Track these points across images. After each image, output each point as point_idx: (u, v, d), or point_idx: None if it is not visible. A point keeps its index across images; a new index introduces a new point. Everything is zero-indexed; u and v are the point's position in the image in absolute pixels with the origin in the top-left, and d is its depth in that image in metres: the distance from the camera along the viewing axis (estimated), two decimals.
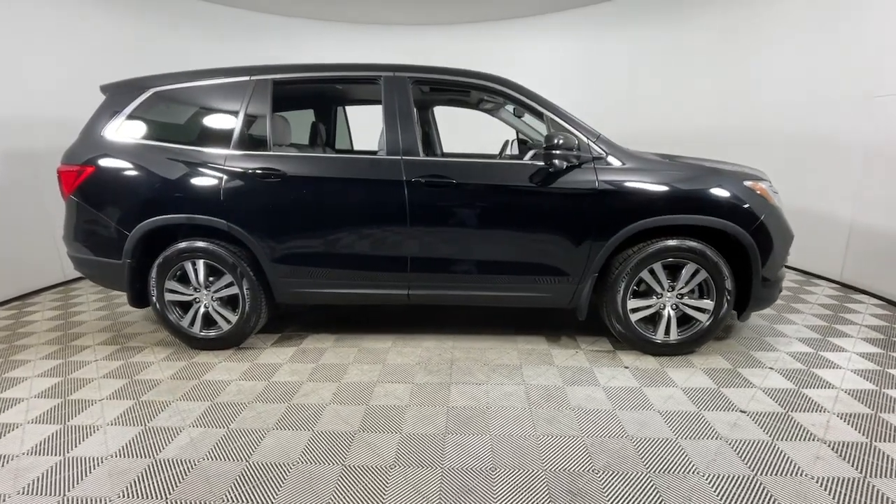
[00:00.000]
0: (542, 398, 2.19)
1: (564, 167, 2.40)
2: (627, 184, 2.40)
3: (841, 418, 1.99)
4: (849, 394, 2.19)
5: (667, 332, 2.56)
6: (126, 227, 2.60)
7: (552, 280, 2.53)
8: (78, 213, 2.67)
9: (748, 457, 1.76)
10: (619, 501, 1.55)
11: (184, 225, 2.59)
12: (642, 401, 2.16)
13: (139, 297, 2.76)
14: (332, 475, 1.69)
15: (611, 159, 2.44)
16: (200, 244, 2.59)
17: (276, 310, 2.86)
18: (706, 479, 1.64)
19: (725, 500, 1.55)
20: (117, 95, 2.68)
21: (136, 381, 2.41)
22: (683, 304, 2.53)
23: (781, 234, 2.46)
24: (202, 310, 2.70)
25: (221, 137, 2.59)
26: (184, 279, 2.69)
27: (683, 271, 2.47)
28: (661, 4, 5.31)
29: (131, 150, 2.60)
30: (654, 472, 1.69)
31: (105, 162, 2.59)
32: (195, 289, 2.69)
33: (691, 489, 1.60)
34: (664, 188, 2.39)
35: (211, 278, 2.67)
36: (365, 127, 4.01)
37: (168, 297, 2.68)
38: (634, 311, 2.54)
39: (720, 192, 2.39)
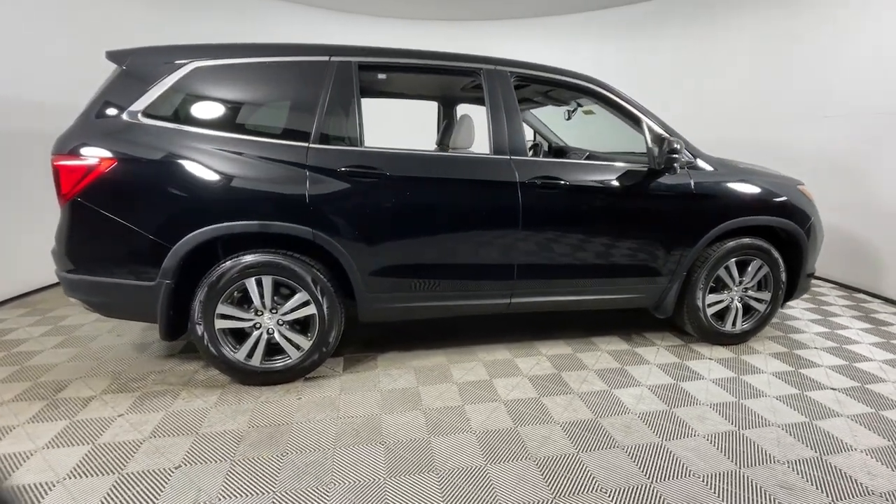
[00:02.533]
0: (672, 398, 2.23)
1: (671, 170, 2.48)
2: (717, 187, 2.57)
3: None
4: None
5: (733, 323, 2.80)
6: (167, 238, 2.01)
7: (649, 281, 2.60)
8: (86, 221, 2.00)
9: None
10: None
11: (242, 235, 2.09)
12: (752, 390, 2.32)
13: (173, 327, 2.17)
14: None
15: (700, 163, 2.59)
16: (272, 257, 2.11)
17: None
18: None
19: None
20: (142, 68, 2.06)
21: (206, 436, 1.88)
22: (748, 296, 2.79)
23: (821, 232, 2.85)
24: (265, 337, 2.21)
25: (296, 128, 2.15)
26: (238, 301, 2.18)
27: (750, 267, 2.72)
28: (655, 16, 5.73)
29: (173, 139, 2.02)
30: (828, 451, 1.83)
31: (133, 153, 1.97)
32: (257, 312, 2.19)
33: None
34: (748, 192, 2.61)
35: (275, 298, 2.20)
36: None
37: (220, 324, 2.14)
38: (710, 305, 2.73)
39: (786, 196, 2.68)
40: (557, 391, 2.27)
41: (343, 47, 2.21)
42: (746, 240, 2.64)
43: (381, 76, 2.52)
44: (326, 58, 2.18)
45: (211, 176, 2.02)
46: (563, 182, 2.35)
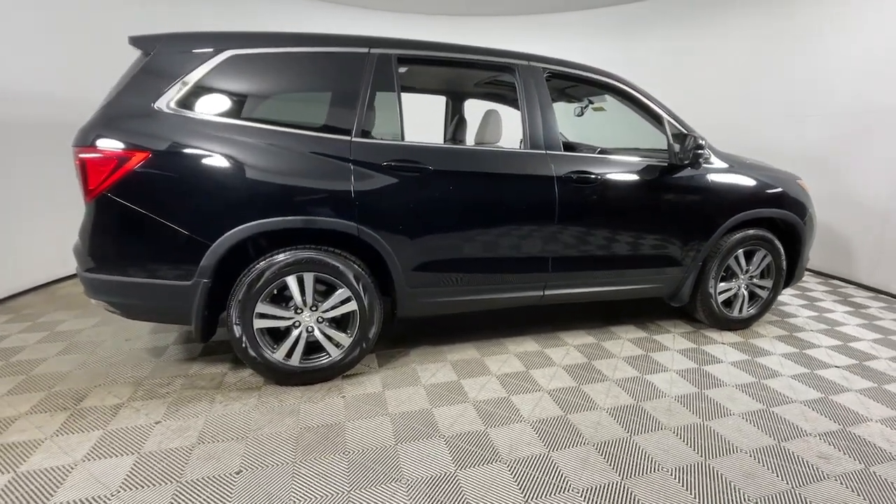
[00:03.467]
0: (700, 381, 2.35)
1: (695, 165, 2.60)
2: (731, 181, 2.72)
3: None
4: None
5: (740, 309, 2.98)
6: (206, 235, 1.92)
7: (671, 271, 2.72)
8: (115, 218, 1.87)
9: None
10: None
11: (282, 231, 2.02)
12: (767, 371, 2.48)
13: (208, 328, 2.07)
14: None
15: (713, 159, 2.73)
16: (315, 254, 2.05)
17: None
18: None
19: None
20: (174, 55, 1.94)
21: (258, 440, 1.81)
22: (753, 284, 2.98)
23: (815, 223, 3.07)
24: (304, 335, 2.15)
25: (337, 121, 2.09)
26: (275, 299, 2.11)
27: (755, 256, 2.90)
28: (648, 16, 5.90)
29: (210, 131, 1.92)
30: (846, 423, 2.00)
31: (169, 146, 1.86)
32: (297, 310, 2.13)
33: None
34: (756, 185, 2.78)
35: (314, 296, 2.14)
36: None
37: (259, 323, 2.07)
38: (721, 293, 2.90)
39: (789, 190, 2.87)
40: (594, 379, 2.35)
41: (382, 39, 2.17)
42: (752, 231, 2.82)
43: (417, 70, 2.49)
44: (366, 49, 2.13)
45: (252, 170, 1.94)
46: (595, 176, 2.42)
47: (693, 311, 2.97)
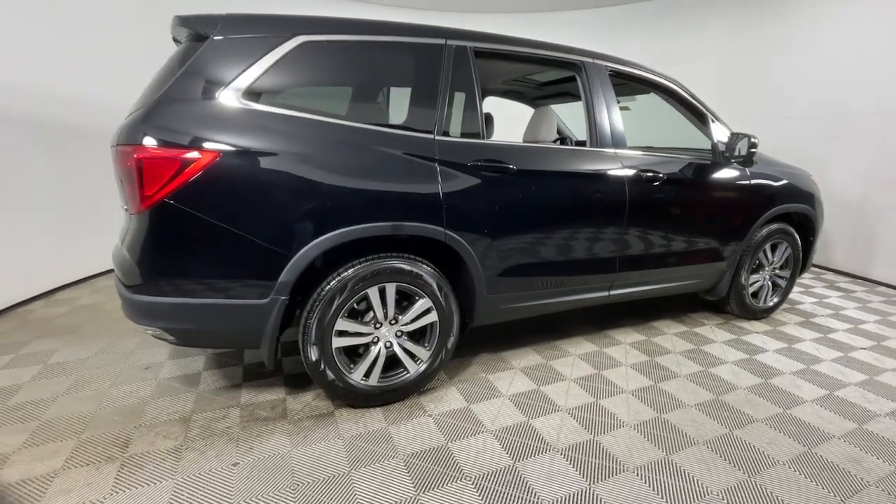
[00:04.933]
0: (759, 371, 2.44)
1: (748, 163, 2.70)
2: (764, 178, 2.85)
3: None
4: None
5: (765, 299, 3.15)
6: (286, 246, 1.68)
7: (717, 266, 2.81)
8: (177, 230, 1.59)
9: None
10: None
11: (366, 239, 1.82)
12: (809, 357, 2.63)
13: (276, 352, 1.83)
14: None
15: None
16: (400, 262, 1.88)
17: None
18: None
19: None
20: (239, 40, 1.67)
21: (373, 471, 1.61)
22: (775, 275, 3.16)
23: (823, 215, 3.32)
24: (384, 351, 1.96)
25: (418, 118, 1.92)
26: (353, 314, 1.91)
27: (779, 249, 3.08)
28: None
29: (285, 127, 1.68)
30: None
31: (242, 144, 1.60)
32: (376, 325, 1.94)
33: None
34: (784, 182, 2.94)
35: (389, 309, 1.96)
36: None
37: (337, 342, 1.86)
38: (751, 285, 3.04)
39: (807, 186, 3.07)
40: (664, 376, 2.36)
41: (457, 31, 2.02)
42: (777, 225, 2.99)
43: (487, 64, 2.35)
44: (442, 41, 1.98)
45: (336, 172, 1.72)
46: (659, 175, 2.43)
47: (725, 303, 3.10)
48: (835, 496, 1.57)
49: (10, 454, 1.68)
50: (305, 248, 1.69)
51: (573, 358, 2.54)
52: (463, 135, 2.01)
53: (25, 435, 1.78)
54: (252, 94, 1.66)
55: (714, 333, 2.93)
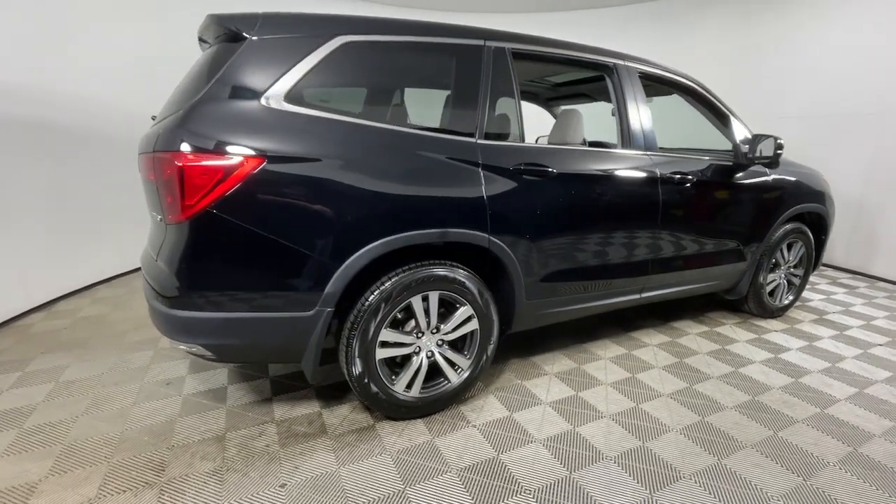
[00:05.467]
0: (787, 370, 2.46)
1: (773, 165, 2.72)
2: (783, 179, 2.88)
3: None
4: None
5: (781, 298, 3.19)
6: (334, 255, 1.61)
7: (740, 266, 2.83)
8: (221, 241, 1.50)
9: None
10: None
11: (411, 247, 1.76)
12: (832, 355, 2.67)
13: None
14: None
15: None
16: (443, 270, 1.82)
17: None
18: None
19: None
20: (280, 40, 1.59)
21: (432, 488, 1.56)
22: (790, 273, 3.20)
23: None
24: (425, 361, 1.91)
25: (460, 121, 1.86)
26: (395, 324, 1.85)
27: (794, 248, 3.13)
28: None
29: (329, 131, 1.61)
30: None
31: (284, 149, 1.53)
32: (417, 334, 1.88)
33: None
34: (799, 182, 2.97)
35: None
36: None
37: (380, 353, 1.79)
38: (768, 284, 3.08)
39: (820, 185, 3.12)
40: (697, 378, 2.36)
41: (496, 32, 1.97)
42: (793, 225, 3.03)
43: (524, 66, 2.30)
44: (481, 42, 1.93)
45: (380, 177, 1.66)
46: (690, 176, 2.43)
47: (744, 302, 3.13)
48: (890, 497, 1.58)
49: (36, 483, 1.57)
50: (353, 257, 1.62)
51: (604, 361, 2.52)
52: (503, 137, 1.96)
53: (50, 461, 1.67)
54: (294, 97, 1.58)
55: (735, 333, 2.96)
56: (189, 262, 1.50)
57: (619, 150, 2.28)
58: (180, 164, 1.42)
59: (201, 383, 2.23)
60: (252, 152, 1.48)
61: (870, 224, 4.32)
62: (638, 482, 1.62)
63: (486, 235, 1.86)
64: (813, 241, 3.18)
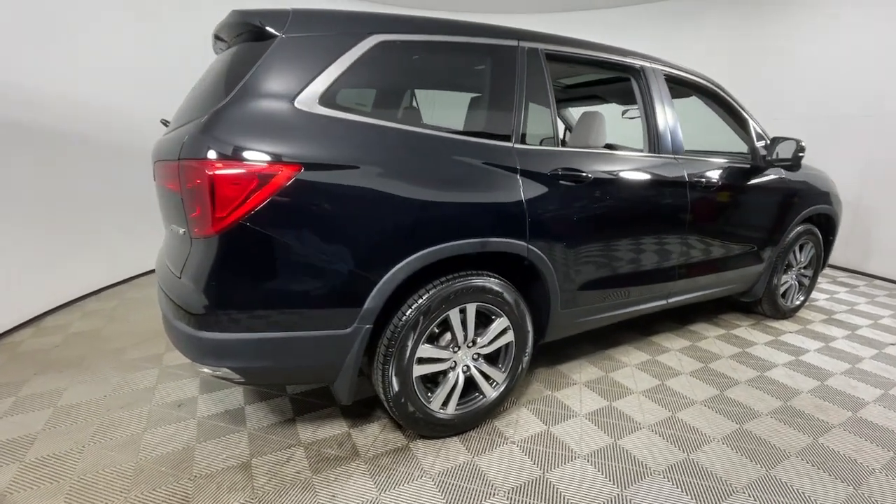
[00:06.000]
0: (811, 372, 2.46)
1: (795, 167, 2.70)
2: (797, 181, 2.90)
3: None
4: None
5: (793, 299, 3.22)
6: (373, 268, 1.51)
7: (758, 268, 2.82)
8: (255, 256, 1.38)
9: None
10: None
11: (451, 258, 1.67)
12: (850, 356, 2.69)
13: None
14: None
15: None
16: (480, 281, 1.73)
17: None
18: None
19: None
20: (312, 39, 1.48)
21: None
22: (801, 274, 3.23)
23: None
24: (461, 377, 1.82)
25: (496, 125, 1.78)
26: (429, 339, 1.75)
27: (805, 249, 3.15)
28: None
29: (366, 136, 1.50)
30: None
31: (321, 156, 1.42)
32: (454, 348, 1.79)
33: None
34: (811, 183, 2.99)
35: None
36: None
37: (418, 370, 1.70)
38: (782, 285, 3.09)
39: (828, 187, 3.15)
40: (725, 383, 2.34)
41: (528, 32, 1.90)
42: (804, 226, 3.05)
43: (559, 67, 2.22)
44: (515, 42, 1.85)
45: (420, 185, 1.56)
46: (714, 180, 2.41)
47: (757, 304, 3.14)
48: None
49: None
50: (393, 270, 1.52)
51: (630, 369, 2.48)
52: (540, 141, 1.89)
53: (60, 498, 1.52)
54: (328, 99, 1.48)
55: (752, 335, 2.96)
56: (219, 279, 1.38)
57: (649, 155, 2.24)
58: (211, 173, 1.30)
59: (216, 404, 2.09)
60: (287, 160, 1.37)
61: (866, 224, 4.41)
62: (692, 498, 1.57)
63: (525, 244, 1.78)
64: (822, 242, 3.21)
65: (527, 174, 1.78)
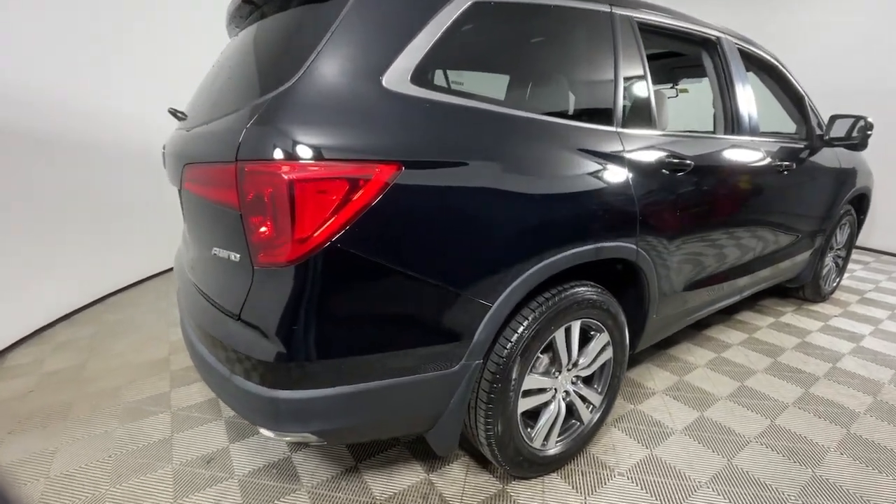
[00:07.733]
0: (877, 358, 2.38)
1: (864, 145, 2.56)
2: (845, 162, 2.79)
3: None
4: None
5: (830, 281, 3.16)
6: (486, 292, 1.20)
7: (808, 253, 2.70)
8: (348, 286, 1.04)
9: None
10: None
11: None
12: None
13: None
14: None
15: None
16: (587, 292, 1.46)
17: None
18: None
19: None
20: (393, 2, 1.13)
21: None
22: (837, 256, 3.17)
23: None
24: (563, 406, 1.56)
25: (596, 105, 1.49)
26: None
27: (843, 230, 3.09)
28: None
29: (469, 123, 1.18)
30: None
31: (424, 151, 1.08)
32: (554, 374, 1.52)
33: None
34: (855, 165, 2.90)
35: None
36: None
37: (522, 405, 1.42)
38: (824, 268, 3.02)
39: (866, 164, 3.08)
40: (805, 380, 2.20)
41: None
42: (845, 207, 2.97)
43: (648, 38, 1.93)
44: (608, 7, 1.55)
45: (532, 185, 1.25)
46: (786, 162, 2.23)
47: (799, 288, 3.05)
48: None
49: None
50: (508, 290, 1.22)
51: (702, 370, 2.30)
52: (642, 125, 1.61)
53: None
54: (420, 76, 1.13)
55: (801, 322, 2.87)
56: (306, 321, 1.02)
57: (737, 137, 2.01)
58: (291, 179, 0.94)
59: (254, 455, 1.73)
60: (384, 158, 1.03)
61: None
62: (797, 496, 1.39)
63: (635, 246, 1.52)
64: (856, 223, 3.16)
65: (633, 164, 1.51)
